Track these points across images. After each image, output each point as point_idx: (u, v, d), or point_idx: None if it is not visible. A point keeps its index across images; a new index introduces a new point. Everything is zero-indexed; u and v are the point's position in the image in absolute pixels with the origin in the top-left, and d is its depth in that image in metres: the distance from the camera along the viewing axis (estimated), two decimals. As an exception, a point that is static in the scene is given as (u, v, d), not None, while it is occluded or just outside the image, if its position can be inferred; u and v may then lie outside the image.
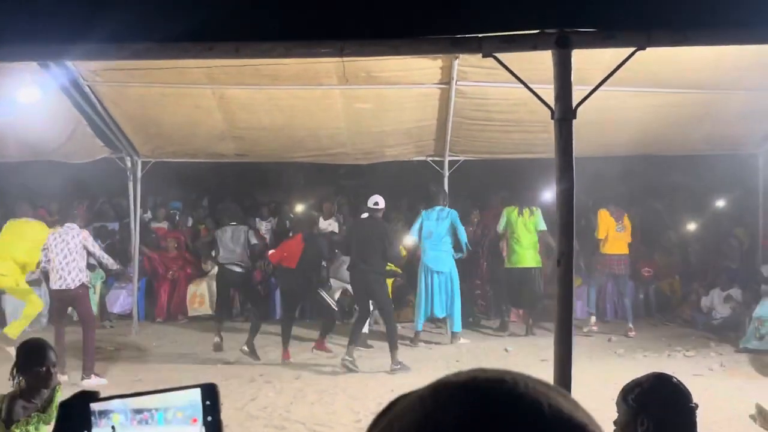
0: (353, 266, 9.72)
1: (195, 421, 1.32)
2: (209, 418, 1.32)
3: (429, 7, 2.90)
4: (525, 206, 11.12)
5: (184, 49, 3.11)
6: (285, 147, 10.87)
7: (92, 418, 1.32)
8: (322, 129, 10.29)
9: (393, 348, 9.40)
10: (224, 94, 9.47)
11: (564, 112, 3.49)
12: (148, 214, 13.88)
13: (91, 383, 8.50)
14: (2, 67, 7.91)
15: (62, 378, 8.73)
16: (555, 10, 3.07)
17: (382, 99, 9.55)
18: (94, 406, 1.33)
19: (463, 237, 10.67)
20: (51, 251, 9.17)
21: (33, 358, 4.01)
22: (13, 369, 4.06)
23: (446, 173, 11.28)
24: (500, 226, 11.26)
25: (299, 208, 12.23)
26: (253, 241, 10.49)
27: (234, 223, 10.49)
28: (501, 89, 9.26)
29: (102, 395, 1.36)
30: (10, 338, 9.23)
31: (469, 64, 8.72)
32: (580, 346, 10.35)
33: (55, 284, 9.18)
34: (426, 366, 9.52)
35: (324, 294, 10.17)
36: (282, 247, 10.24)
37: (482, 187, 14.11)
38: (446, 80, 9.23)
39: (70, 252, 9.12)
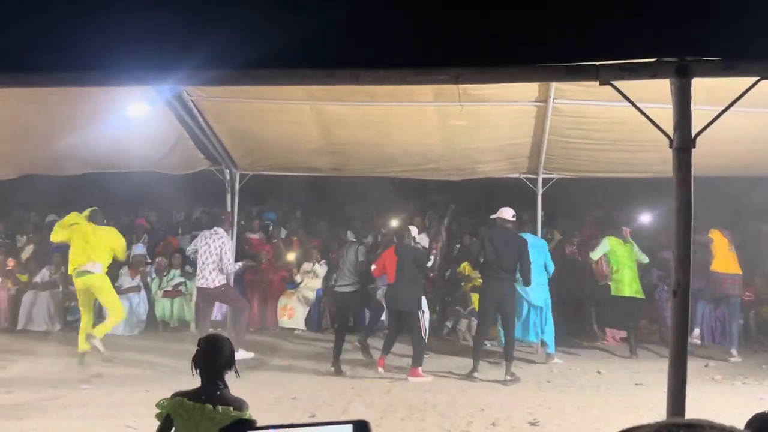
0: (488, 276, 9.82)
1: None
2: None
3: (545, 33, 2.91)
4: (625, 239, 10.99)
5: (305, 75, 3.19)
6: (378, 162, 10.99)
7: None
8: (415, 145, 10.36)
9: (509, 359, 9.65)
10: (321, 109, 9.65)
11: (683, 141, 3.43)
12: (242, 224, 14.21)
13: (239, 356, 8.99)
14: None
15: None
16: (674, 37, 3.03)
17: (477, 116, 9.55)
18: None
19: (550, 268, 10.56)
20: (197, 252, 10.18)
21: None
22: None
23: (539, 191, 11.19)
24: (595, 254, 11.10)
25: (392, 222, 12.27)
26: (361, 258, 10.31)
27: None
28: (598, 108, 9.17)
29: (259, 424, 1.42)
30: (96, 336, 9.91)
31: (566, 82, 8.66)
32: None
33: (198, 282, 10.22)
34: (516, 385, 9.45)
35: (421, 314, 10.10)
36: (381, 259, 10.14)
37: (575, 206, 13.92)
38: (543, 98, 9.19)
39: (211, 254, 10.04)
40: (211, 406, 3.98)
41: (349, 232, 13.83)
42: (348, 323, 10.55)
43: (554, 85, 8.83)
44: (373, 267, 10.10)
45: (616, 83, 3.44)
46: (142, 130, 9.50)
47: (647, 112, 3.94)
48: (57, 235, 10.42)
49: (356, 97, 9.13)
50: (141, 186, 12.78)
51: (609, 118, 9.32)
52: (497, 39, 2.87)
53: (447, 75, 3.02)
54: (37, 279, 12.94)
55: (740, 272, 10.99)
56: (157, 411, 4.09)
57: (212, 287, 10.10)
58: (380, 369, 9.87)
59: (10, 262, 13.20)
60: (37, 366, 10.27)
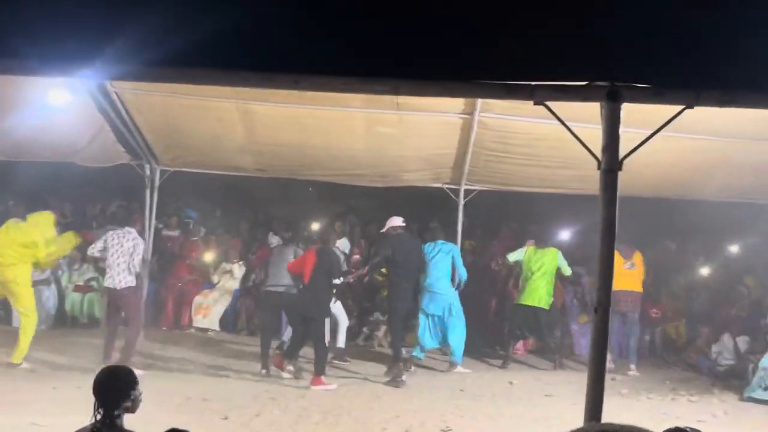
0: (401, 283, 10.22)
1: None
2: None
3: (485, 51, 2.96)
4: (542, 245, 11.17)
5: (244, 77, 3.16)
6: (303, 164, 10.96)
7: None
8: (342, 149, 10.38)
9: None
10: (248, 108, 9.58)
11: (610, 164, 3.55)
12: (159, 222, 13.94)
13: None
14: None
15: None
16: (606, 63, 3.13)
17: (404, 124, 9.64)
18: None
19: (463, 275, 10.72)
20: (107, 250, 9.86)
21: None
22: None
23: (461, 201, 11.35)
24: (511, 257, 11.29)
25: (314, 224, 12.24)
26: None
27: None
28: (522, 123, 9.38)
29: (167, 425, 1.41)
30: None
31: (493, 97, 8.82)
32: (584, 384, 10.38)
33: (106, 282, 9.97)
34: (430, 393, 9.54)
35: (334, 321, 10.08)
36: (301, 258, 10.00)
37: (494, 217, 14.17)
38: (469, 111, 9.34)
39: (123, 254, 9.77)
40: None
41: (270, 233, 13.73)
42: (278, 323, 10.31)
43: (481, 99, 8.98)
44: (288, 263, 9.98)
45: (548, 103, 3.53)
46: (62, 119, 9.25)
47: (574, 131, 4.05)
48: None
49: (284, 99, 9.08)
50: (56, 177, 12.40)
51: (531, 134, 9.53)
52: (438, 53, 2.92)
53: (387, 86, 3.04)
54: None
55: (639, 289, 11.26)
56: None
57: (119, 288, 9.81)
58: (284, 374, 9.76)
59: None
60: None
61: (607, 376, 10.63)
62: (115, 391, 4.02)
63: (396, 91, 2.94)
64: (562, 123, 3.65)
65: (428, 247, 10.60)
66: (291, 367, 10.00)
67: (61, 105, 8.68)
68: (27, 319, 9.75)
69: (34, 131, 9.51)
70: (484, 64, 2.99)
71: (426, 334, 10.59)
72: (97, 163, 10.99)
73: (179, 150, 10.87)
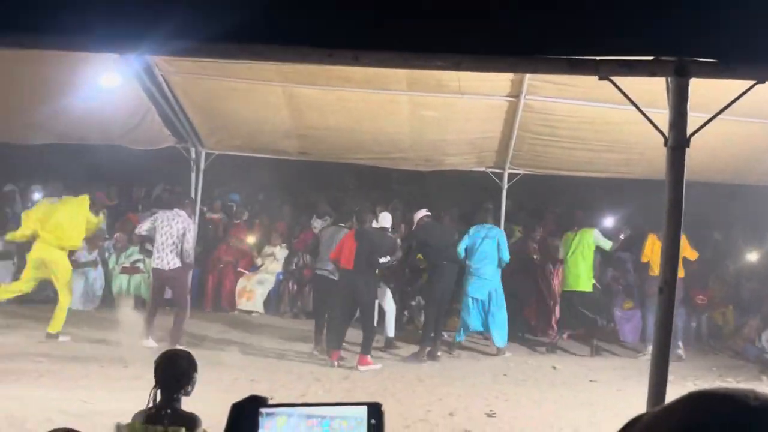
0: (438, 268, 10.36)
1: None
2: None
3: (548, 25, 2.92)
4: (579, 228, 11.04)
5: (304, 54, 3.15)
6: (347, 148, 10.95)
7: (260, 419, 1.39)
8: (386, 133, 10.35)
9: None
10: (293, 92, 9.59)
11: (678, 141, 3.46)
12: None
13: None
14: (86, 53, 8.11)
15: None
16: (673, 37, 3.06)
17: (449, 108, 9.59)
18: (263, 410, 1.40)
19: (505, 257, 10.65)
20: (156, 231, 9.93)
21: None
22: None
23: (505, 185, 11.27)
24: (562, 253, 11.19)
25: (356, 208, 12.24)
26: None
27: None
28: (569, 106, 9.29)
29: (271, 401, 1.42)
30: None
31: (540, 79, 8.74)
32: (629, 370, 10.31)
33: (154, 262, 10.01)
34: (473, 377, 9.53)
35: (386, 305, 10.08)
36: (339, 243, 9.89)
37: (538, 202, 14.07)
38: (515, 93, 9.25)
39: (172, 236, 9.84)
40: (162, 428, 3.96)
41: (313, 217, 13.79)
42: (329, 307, 10.28)
43: (527, 81, 8.91)
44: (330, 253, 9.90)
45: (614, 79, 3.47)
46: (110, 102, 9.36)
47: (625, 110, 3.99)
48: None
49: (330, 82, 9.09)
50: (103, 159, 12.55)
51: (578, 117, 9.45)
52: (500, 28, 2.88)
53: (448, 61, 3.01)
54: (-9, 248, 12.67)
55: (680, 274, 11.06)
56: None
57: (167, 269, 9.92)
58: (335, 363, 9.63)
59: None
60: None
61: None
62: (177, 374, 4.06)
63: (457, 67, 2.91)
64: (629, 99, 3.57)
65: (476, 230, 10.55)
66: (315, 351, 10.11)
67: (110, 88, 8.78)
68: (62, 295, 9.98)
69: (83, 114, 9.62)
70: (547, 39, 2.95)
71: (470, 317, 10.56)
72: (143, 146, 11.10)
73: (224, 133, 10.94)
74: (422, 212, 10.82)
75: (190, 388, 4.10)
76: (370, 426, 1.38)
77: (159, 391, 4.05)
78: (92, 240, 12.48)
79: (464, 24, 2.87)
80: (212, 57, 5.74)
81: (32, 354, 9.24)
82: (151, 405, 4.06)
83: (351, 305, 9.84)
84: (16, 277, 12.07)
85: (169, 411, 4.03)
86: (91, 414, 6.86)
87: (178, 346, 8.50)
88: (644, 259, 11.04)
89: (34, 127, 10.39)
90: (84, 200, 10.32)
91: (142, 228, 10.33)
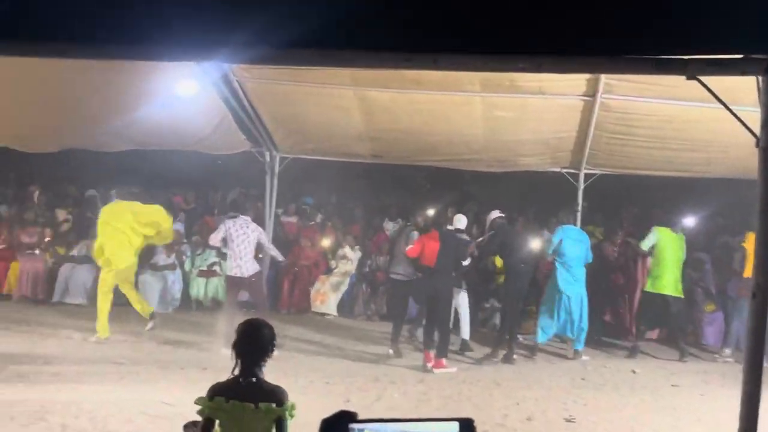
0: (514, 270, 10.24)
1: None
2: None
3: (634, 25, 2.84)
4: (678, 228, 10.71)
5: (382, 59, 3.14)
6: (420, 150, 10.94)
7: None
8: (459, 134, 10.31)
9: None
10: (366, 95, 9.63)
11: (770, 141, 3.33)
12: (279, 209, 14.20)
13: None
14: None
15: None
16: (763, 36, 2.93)
17: (523, 108, 9.49)
18: (353, 426, 1.38)
19: (590, 259, 10.55)
20: (231, 239, 9.94)
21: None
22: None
23: (581, 186, 11.07)
24: (645, 244, 10.83)
25: (429, 210, 12.19)
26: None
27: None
28: (647, 105, 9.11)
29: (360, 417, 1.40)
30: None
31: (617, 78, 8.59)
32: (712, 374, 10.03)
33: (232, 271, 10.02)
34: (550, 381, 9.40)
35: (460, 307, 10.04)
36: (419, 242, 9.84)
37: (614, 202, 13.80)
38: (591, 93, 9.11)
39: (250, 243, 9.92)
40: (252, 405, 3.95)
41: (386, 219, 13.82)
42: (405, 310, 10.25)
43: (603, 80, 8.77)
44: (408, 248, 9.86)
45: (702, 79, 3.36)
46: (188, 109, 9.54)
47: (711, 110, 3.86)
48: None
49: (402, 84, 9.10)
50: (180, 165, 12.83)
51: (656, 115, 9.27)
52: (582, 28, 2.82)
53: (529, 63, 2.96)
54: (74, 252, 13.05)
55: None
56: (198, 407, 4.08)
57: (246, 276, 9.99)
58: (429, 365, 9.58)
59: (49, 235, 13.31)
60: (73, 338, 10.38)
61: (738, 367, 10.33)
62: (261, 343, 4.08)
63: (538, 69, 2.85)
64: (718, 99, 3.46)
65: (565, 231, 10.41)
66: (391, 351, 10.10)
67: (188, 95, 8.95)
68: (127, 292, 10.38)
69: (161, 121, 9.85)
70: (631, 38, 2.87)
71: (555, 317, 10.40)
72: (219, 150, 11.31)
73: (298, 137, 11.05)
74: (495, 213, 10.72)
75: (270, 357, 4.12)
76: None
77: (240, 362, 4.06)
78: (170, 243, 12.75)
79: (545, 25, 2.82)
80: (290, 64, 5.79)
81: (113, 356, 9.48)
82: (234, 375, 4.07)
83: (432, 305, 9.82)
84: (97, 278, 12.42)
85: (254, 380, 4.03)
86: (172, 415, 6.98)
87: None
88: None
89: (114, 134, 10.70)
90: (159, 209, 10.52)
91: (216, 239, 10.34)
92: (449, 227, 10.00)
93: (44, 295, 12.77)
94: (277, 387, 4.02)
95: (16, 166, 14.25)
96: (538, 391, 8.88)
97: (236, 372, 4.02)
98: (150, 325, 10.35)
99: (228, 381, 4.05)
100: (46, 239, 13.22)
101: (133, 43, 3.82)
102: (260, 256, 10.44)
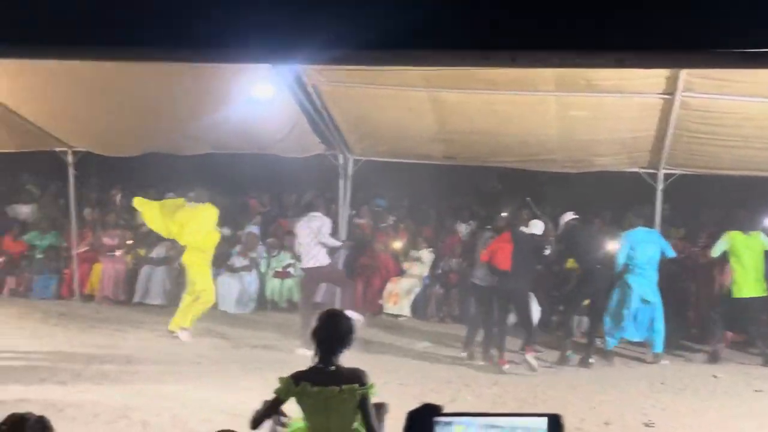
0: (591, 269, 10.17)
1: None
2: None
3: (717, 17, 2.76)
4: (750, 229, 10.41)
5: (459, 57, 3.13)
6: (493, 151, 10.86)
7: (436, 428, 1.37)
8: (533, 135, 10.19)
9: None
10: (438, 97, 9.60)
11: None
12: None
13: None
14: (237, 65, 8.44)
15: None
16: None
17: (599, 107, 9.34)
18: (439, 419, 1.38)
19: (671, 254, 10.39)
20: (299, 236, 10.29)
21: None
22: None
23: (659, 186, 10.81)
24: (715, 251, 10.59)
25: (502, 211, 12.09)
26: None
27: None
28: (728, 102, 8.87)
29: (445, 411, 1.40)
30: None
31: (697, 75, 8.39)
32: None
33: (307, 263, 10.26)
34: (627, 385, 9.23)
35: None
36: (493, 245, 9.70)
37: (695, 203, 13.46)
38: (670, 91, 8.89)
39: (312, 232, 10.15)
40: (336, 389, 4.02)
41: (458, 221, 13.78)
42: (487, 316, 10.02)
43: (683, 77, 8.56)
44: (482, 252, 9.75)
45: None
46: (263, 113, 9.68)
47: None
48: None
49: (475, 85, 9.06)
50: (256, 168, 13.04)
51: (739, 113, 9.01)
52: (667, 20, 2.74)
53: (610, 59, 2.90)
54: (154, 254, 13.38)
55: None
56: (277, 386, 4.16)
57: (315, 267, 10.18)
58: (506, 367, 9.56)
59: (130, 237, 13.69)
60: (153, 338, 10.64)
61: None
62: (339, 335, 4.15)
63: (620, 64, 2.79)
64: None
65: (634, 234, 10.23)
66: (464, 354, 10.06)
67: (262, 99, 9.08)
68: (187, 294, 10.49)
69: (238, 124, 10.02)
70: (718, 30, 2.78)
71: (630, 321, 10.20)
72: (294, 153, 11.43)
73: (371, 139, 11.09)
74: (569, 215, 10.63)
75: (347, 348, 4.19)
76: None
77: (320, 350, 4.13)
78: (246, 245, 12.98)
79: (626, 18, 2.76)
80: (367, 64, 5.82)
81: (191, 356, 9.69)
82: (314, 364, 4.14)
83: (506, 307, 9.78)
84: (177, 281, 12.73)
85: (333, 368, 4.10)
86: (250, 414, 7.08)
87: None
88: None
89: (192, 138, 10.93)
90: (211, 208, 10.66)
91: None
92: (524, 229, 9.91)
93: (125, 295, 13.14)
94: (356, 369, 4.12)
95: (98, 170, 14.67)
96: (615, 394, 8.74)
97: (316, 361, 4.12)
98: (179, 334, 10.42)
99: (309, 369, 4.15)
100: (127, 241, 13.59)
101: (208, 47, 3.88)
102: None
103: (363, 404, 4.00)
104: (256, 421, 4.14)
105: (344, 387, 4.03)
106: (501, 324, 9.83)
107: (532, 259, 9.74)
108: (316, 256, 10.15)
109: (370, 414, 3.97)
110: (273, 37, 3.71)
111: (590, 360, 10.04)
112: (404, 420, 1.40)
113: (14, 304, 12.69)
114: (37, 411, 3.27)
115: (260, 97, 8.84)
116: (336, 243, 10.71)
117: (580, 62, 2.96)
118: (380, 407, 4.24)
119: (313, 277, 10.33)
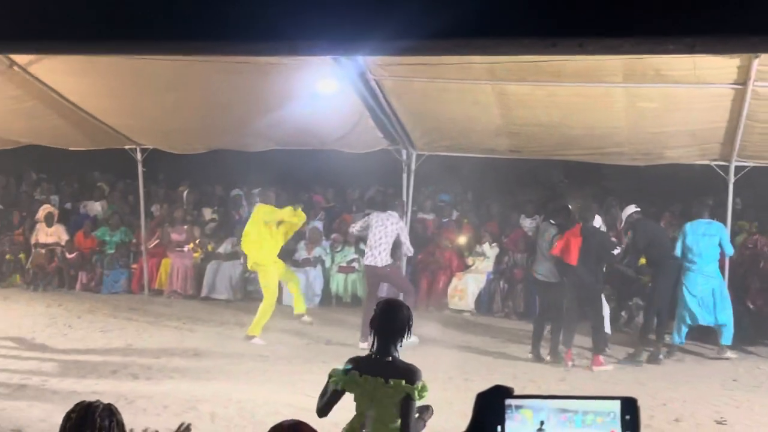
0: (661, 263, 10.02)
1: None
2: None
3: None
4: None
5: (526, 45, 3.06)
6: (559, 144, 10.69)
7: (507, 411, 1.34)
8: (600, 127, 10.00)
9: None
10: (504, 90, 9.49)
11: None
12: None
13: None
14: (301, 62, 8.50)
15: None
16: None
17: (668, 98, 9.12)
18: (510, 401, 1.35)
19: (729, 252, 10.16)
20: (371, 229, 10.21)
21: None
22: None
23: (731, 179, 10.52)
24: None
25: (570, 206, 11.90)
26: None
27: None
28: (804, 91, 8.57)
29: (516, 393, 1.37)
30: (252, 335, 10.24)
31: (770, 63, 8.13)
32: None
33: (366, 260, 10.27)
34: (698, 381, 9.02)
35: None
36: (563, 239, 9.49)
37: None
38: (742, 80, 8.63)
39: (387, 234, 10.10)
40: (382, 380, 4.03)
41: (522, 216, 13.65)
42: (550, 313, 9.86)
43: (756, 66, 8.29)
44: (553, 247, 9.55)
45: None
46: (327, 109, 9.73)
47: None
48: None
49: (541, 77, 8.92)
50: (320, 164, 13.13)
51: (816, 102, 8.69)
52: (740, 2, 2.64)
53: (681, 44, 2.80)
54: (221, 250, 13.59)
55: None
56: (332, 378, 4.19)
57: (379, 266, 10.15)
58: (570, 363, 9.46)
59: (197, 232, 13.92)
60: (220, 333, 10.80)
61: None
62: (397, 324, 4.15)
63: (691, 50, 2.68)
64: None
65: (694, 226, 9.99)
66: (530, 354, 9.89)
67: (326, 95, 9.12)
68: (266, 296, 10.41)
69: (302, 121, 10.09)
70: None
71: (688, 316, 9.98)
72: (357, 149, 11.46)
73: (435, 134, 11.04)
74: (631, 208, 10.50)
75: (406, 338, 4.18)
76: (624, 422, 1.30)
77: (376, 339, 4.14)
78: (311, 240, 13.08)
79: (697, 2, 2.67)
80: (430, 54, 5.76)
81: (257, 350, 9.81)
82: (371, 352, 4.16)
83: (577, 304, 9.61)
84: (243, 275, 12.91)
85: (389, 359, 4.11)
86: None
87: None
88: None
89: (257, 135, 11.06)
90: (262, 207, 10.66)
91: (356, 227, 10.71)
92: (593, 223, 9.76)
93: (193, 290, 13.36)
94: (411, 366, 4.11)
95: (165, 167, 14.98)
96: (685, 391, 8.57)
97: (373, 349, 4.13)
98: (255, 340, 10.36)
99: (365, 356, 4.18)
100: (195, 237, 13.82)
101: (271, 40, 3.90)
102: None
103: (405, 402, 3.98)
104: (322, 411, 4.18)
105: (392, 381, 4.03)
106: (569, 320, 9.65)
107: (601, 255, 9.54)
108: (379, 255, 10.12)
109: (410, 414, 3.96)
110: (339, 28, 3.72)
111: (660, 356, 9.84)
112: (474, 401, 1.37)
113: (86, 299, 13.04)
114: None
115: (324, 93, 8.87)
116: (411, 251, 10.81)
117: (651, 48, 2.85)
118: (425, 410, 4.21)
119: (375, 274, 10.33)
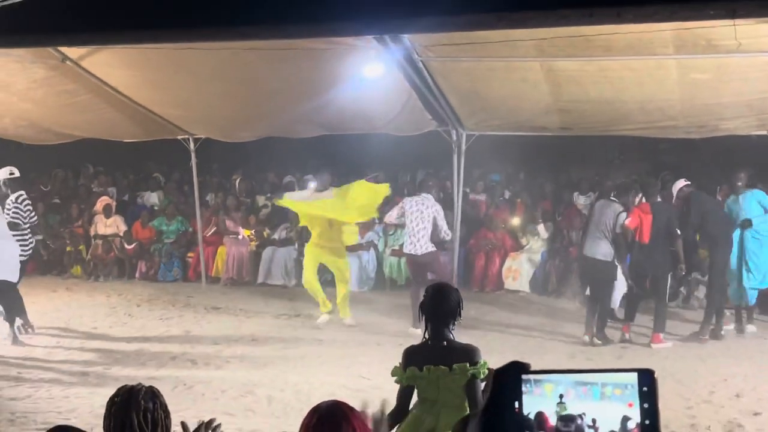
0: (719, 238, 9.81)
1: (631, 405, 1.28)
2: (645, 405, 1.28)
3: None
4: None
5: (563, 16, 3.04)
6: (611, 120, 10.50)
7: (525, 386, 1.33)
8: (653, 101, 9.78)
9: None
10: (552, 66, 9.33)
11: None
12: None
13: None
14: (346, 46, 8.50)
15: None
16: None
17: (722, 69, 8.87)
18: (527, 377, 1.34)
19: None
20: (407, 217, 10.09)
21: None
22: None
23: (791, 148, 10.25)
24: None
25: (624, 181, 11.67)
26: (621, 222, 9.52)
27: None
28: None
29: (533, 368, 1.36)
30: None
31: (829, 27, 7.83)
32: None
33: (407, 248, 10.15)
34: (761, 357, 8.84)
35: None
36: (635, 213, 9.42)
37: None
38: (799, 47, 8.35)
39: (424, 220, 9.92)
40: (446, 368, 4.01)
41: (576, 193, 13.48)
42: (601, 293, 9.72)
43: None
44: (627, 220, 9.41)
45: None
46: (375, 92, 9.70)
47: None
48: None
49: (590, 52, 8.74)
50: (370, 148, 13.14)
51: None
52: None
53: (721, 9, 2.74)
54: (275, 236, 13.73)
55: None
56: (395, 378, 4.18)
57: (419, 254, 10.00)
58: (626, 335, 9.47)
59: (252, 220, 14.09)
60: (276, 318, 10.93)
61: None
62: (449, 307, 4.14)
63: (732, 15, 2.61)
64: None
65: (750, 195, 9.80)
66: (586, 338, 9.70)
67: (373, 78, 9.09)
68: (338, 288, 10.50)
69: (350, 105, 10.10)
70: None
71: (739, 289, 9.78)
72: (407, 131, 11.43)
73: (484, 114, 10.94)
74: (681, 182, 10.34)
75: (458, 320, 4.17)
76: (641, 393, 1.29)
77: (430, 325, 4.13)
78: (364, 224, 13.12)
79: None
80: (469, 29, 5.72)
81: (312, 334, 9.91)
82: (425, 339, 4.15)
83: (640, 282, 9.54)
84: (298, 260, 13.02)
85: (444, 344, 4.10)
86: (370, 389, 7.23)
87: None
88: None
89: (306, 121, 11.10)
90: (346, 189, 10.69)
91: (392, 216, 10.57)
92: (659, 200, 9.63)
93: (249, 277, 13.54)
94: (468, 346, 4.09)
95: (218, 156, 15.16)
96: (747, 367, 8.41)
97: (427, 335, 4.12)
98: (322, 318, 10.48)
99: (420, 345, 4.16)
100: (250, 224, 13.99)
101: (318, 22, 3.91)
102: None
103: (471, 383, 3.96)
104: (399, 413, 4.11)
105: (455, 367, 4.01)
106: (630, 298, 9.60)
107: (671, 232, 9.40)
108: (418, 243, 9.97)
109: (477, 396, 3.93)
110: (385, 8, 3.72)
111: (721, 332, 9.65)
112: (490, 380, 1.37)
113: (145, 287, 13.31)
114: (167, 388, 3.43)
115: (371, 76, 8.84)
116: (449, 234, 10.52)
117: (690, 15, 2.80)
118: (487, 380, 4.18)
119: (415, 262, 10.20)
